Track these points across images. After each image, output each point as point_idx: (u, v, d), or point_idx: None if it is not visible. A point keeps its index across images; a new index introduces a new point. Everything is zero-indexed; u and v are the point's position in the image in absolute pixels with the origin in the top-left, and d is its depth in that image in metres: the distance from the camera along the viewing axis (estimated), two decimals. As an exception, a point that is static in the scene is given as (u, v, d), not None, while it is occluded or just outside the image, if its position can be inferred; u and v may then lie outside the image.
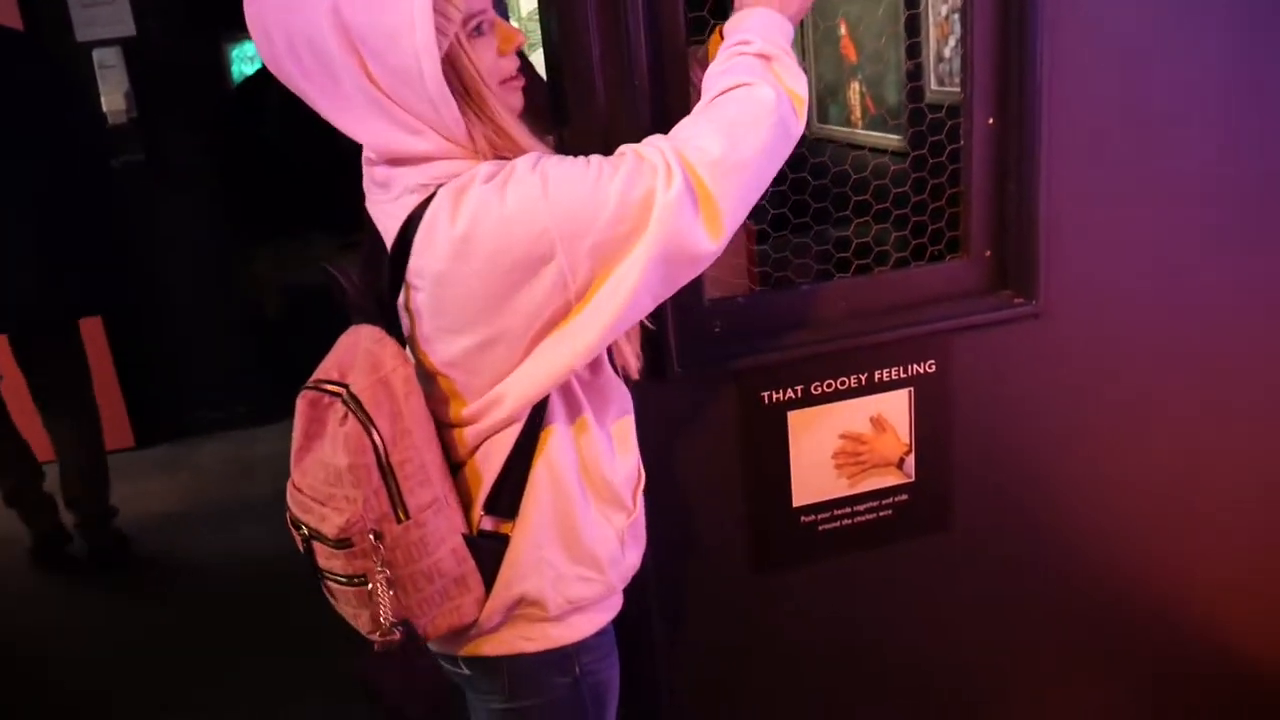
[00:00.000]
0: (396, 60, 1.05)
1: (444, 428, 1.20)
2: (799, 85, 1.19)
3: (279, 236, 7.32)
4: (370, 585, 1.14)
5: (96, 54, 3.97)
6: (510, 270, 1.07)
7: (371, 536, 1.12)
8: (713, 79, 1.19)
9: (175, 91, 4.13)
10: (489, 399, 1.17)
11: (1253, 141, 1.77)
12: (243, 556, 3.37)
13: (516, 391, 1.16)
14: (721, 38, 1.26)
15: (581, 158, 1.11)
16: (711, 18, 1.47)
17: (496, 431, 1.19)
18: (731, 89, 1.15)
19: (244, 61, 9.09)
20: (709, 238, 1.11)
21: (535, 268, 1.07)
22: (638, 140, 1.14)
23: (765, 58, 1.18)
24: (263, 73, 8.79)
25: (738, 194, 1.12)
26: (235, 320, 4.44)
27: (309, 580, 1.22)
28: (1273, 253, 1.83)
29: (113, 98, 3.99)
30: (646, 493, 1.35)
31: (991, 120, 1.64)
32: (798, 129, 1.18)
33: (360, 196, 1.27)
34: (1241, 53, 1.72)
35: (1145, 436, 1.86)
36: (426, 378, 1.18)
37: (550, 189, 1.06)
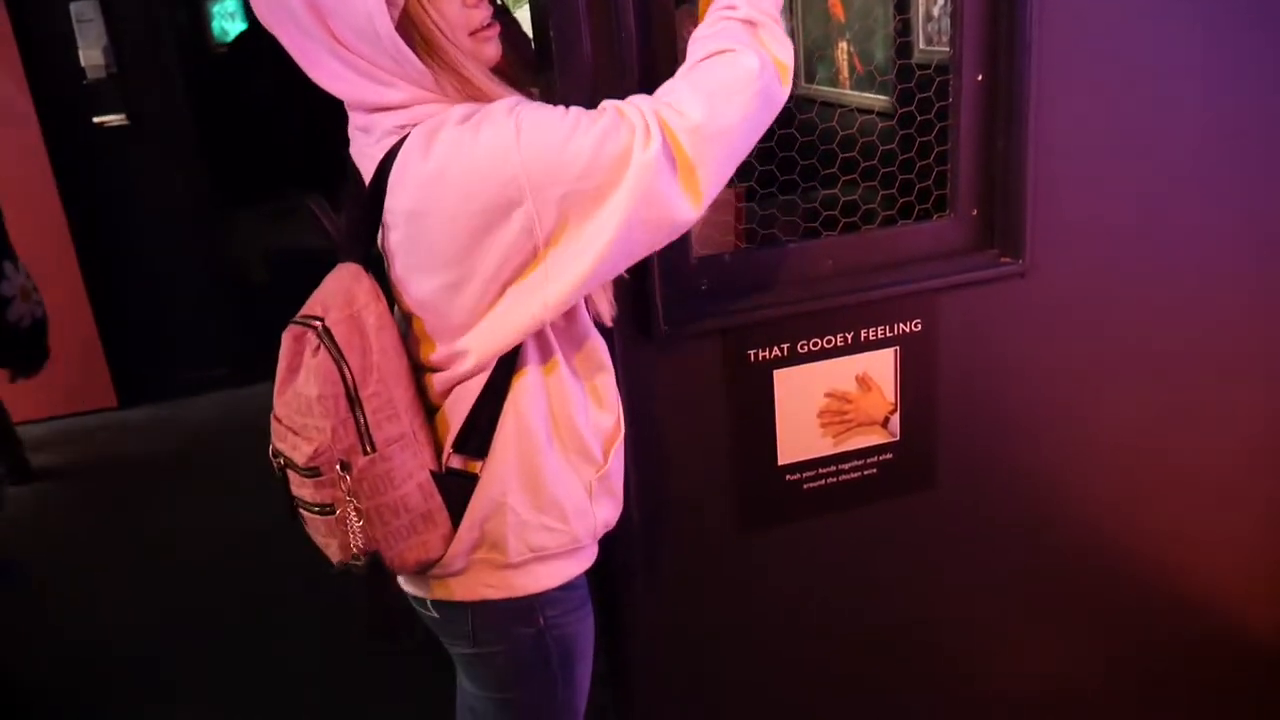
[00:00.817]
0: (351, 19, 1.06)
1: (419, 370, 1.22)
2: (784, 53, 1.18)
3: (261, 197, 7.29)
4: (338, 512, 1.17)
5: (74, 7, 3.90)
6: (479, 213, 1.08)
7: (338, 467, 1.15)
8: (698, 42, 1.18)
9: (155, 48, 4.07)
10: (454, 350, 1.19)
11: (1245, 99, 1.76)
12: (224, 517, 3.37)
13: (480, 345, 1.18)
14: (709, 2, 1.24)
15: (560, 107, 1.10)
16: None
17: (461, 380, 1.21)
18: (715, 54, 1.14)
19: (224, 18, 8.98)
20: (688, 203, 1.11)
21: (504, 211, 1.07)
22: (625, 91, 1.13)
23: (751, 24, 1.17)
24: (253, 30, 8.74)
25: (717, 161, 1.12)
26: (218, 281, 4.40)
27: (286, 507, 1.24)
28: (1264, 209, 1.83)
29: (91, 53, 3.93)
30: (631, 449, 1.35)
31: (980, 77, 1.63)
32: (781, 97, 1.17)
33: (343, 157, 1.27)
34: (1234, 8, 1.70)
35: (1131, 394, 1.87)
36: (403, 318, 1.20)
37: (523, 135, 1.06)
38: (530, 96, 1.18)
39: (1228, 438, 1.96)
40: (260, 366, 4.20)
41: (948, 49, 1.69)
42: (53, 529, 3.45)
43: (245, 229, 6.64)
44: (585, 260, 1.10)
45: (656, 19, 1.44)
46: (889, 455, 1.74)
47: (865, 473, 1.74)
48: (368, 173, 1.17)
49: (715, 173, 1.12)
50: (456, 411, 1.22)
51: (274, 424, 1.22)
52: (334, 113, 1.28)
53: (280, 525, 1.24)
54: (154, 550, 3.26)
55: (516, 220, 1.08)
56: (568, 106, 1.11)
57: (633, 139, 1.07)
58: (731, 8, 1.18)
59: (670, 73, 1.18)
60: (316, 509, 1.18)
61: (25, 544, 3.35)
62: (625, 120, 1.09)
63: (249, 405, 4.07)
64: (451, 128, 1.08)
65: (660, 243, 1.15)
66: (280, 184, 7.38)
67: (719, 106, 1.11)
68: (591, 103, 1.13)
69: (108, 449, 3.96)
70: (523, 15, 1.72)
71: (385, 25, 1.06)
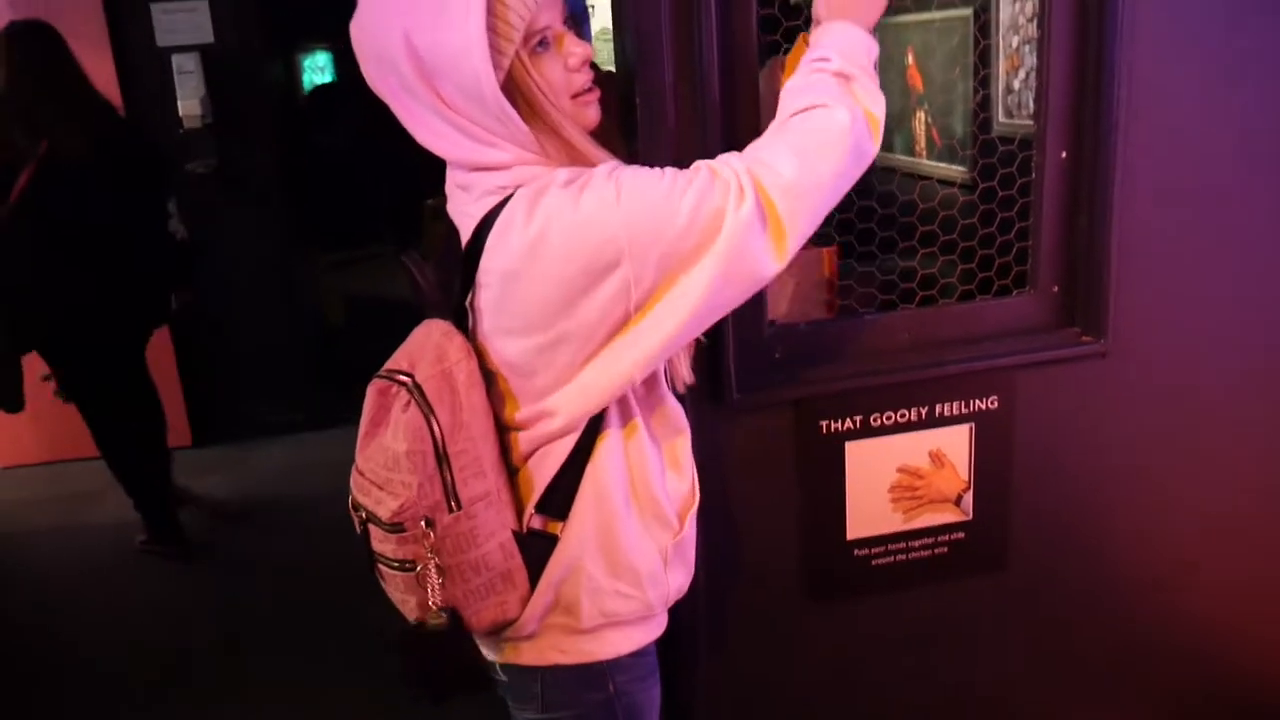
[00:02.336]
0: (460, 80, 1.08)
1: (502, 429, 1.22)
2: (877, 106, 1.18)
3: (343, 245, 7.47)
4: (420, 569, 1.17)
5: (175, 59, 4.07)
6: (578, 275, 1.08)
7: (423, 523, 1.15)
8: (790, 95, 1.19)
9: (248, 99, 4.21)
10: (540, 409, 1.19)
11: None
12: (292, 558, 3.41)
13: (570, 406, 1.17)
14: (806, 46, 1.25)
15: (657, 169, 1.12)
16: (783, 40, 1.47)
17: (549, 441, 1.21)
18: (808, 109, 1.15)
19: (315, 71, 9.28)
20: (774, 259, 1.12)
21: (602, 274, 1.08)
22: (708, 156, 1.14)
23: (845, 77, 1.17)
24: (333, 84, 8.93)
25: (807, 217, 1.13)
26: (297, 326, 4.50)
27: (365, 563, 1.25)
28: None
29: (189, 103, 4.08)
30: (699, 516, 1.34)
31: (1064, 154, 1.62)
32: (872, 152, 1.17)
33: (421, 209, 1.30)
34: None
35: (1211, 481, 1.82)
36: (487, 378, 1.20)
37: (624, 197, 1.07)
38: (620, 158, 1.20)
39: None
40: (333, 411, 4.25)
41: (1029, 123, 1.68)
42: (116, 567, 3.52)
43: (324, 275, 6.82)
44: (676, 318, 1.11)
45: (741, 85, 1.46)
46: (960, 534, 1.71)
47: (935, 551, 1.70)
48: (465, 230, 1.19)
49: (804, 229, 1.13)
50: (541, 472, 1.22)
51: (355, 477, 1.22)
52: (411, 166, 1.30)
53: (343, 572, 1.24)
54: (219, 584, 3.31)
55: (613, 282, 1.09)
56: (662, 168, 1.12)
57: (726, 198, 1.08)
58: (825, 60, 1.19)
59: (755, 131, 1.19)
60: (397, 565, 1.18)
61: (87, 578, 3.43)
62: (719, 179, 1.10)
63: (321, 450, 4.15)
64: (555, 191, 1.09)
65: (742, 298, 1.15)
66: (359, 232, 7.59)
67: (811, 163, 1.11)
68: (677, 164, 1.15)
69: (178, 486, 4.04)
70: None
71: (492, 87, 1.08)
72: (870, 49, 1.22)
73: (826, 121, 1.13)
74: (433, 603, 1.18)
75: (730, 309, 1.17)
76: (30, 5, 3.90)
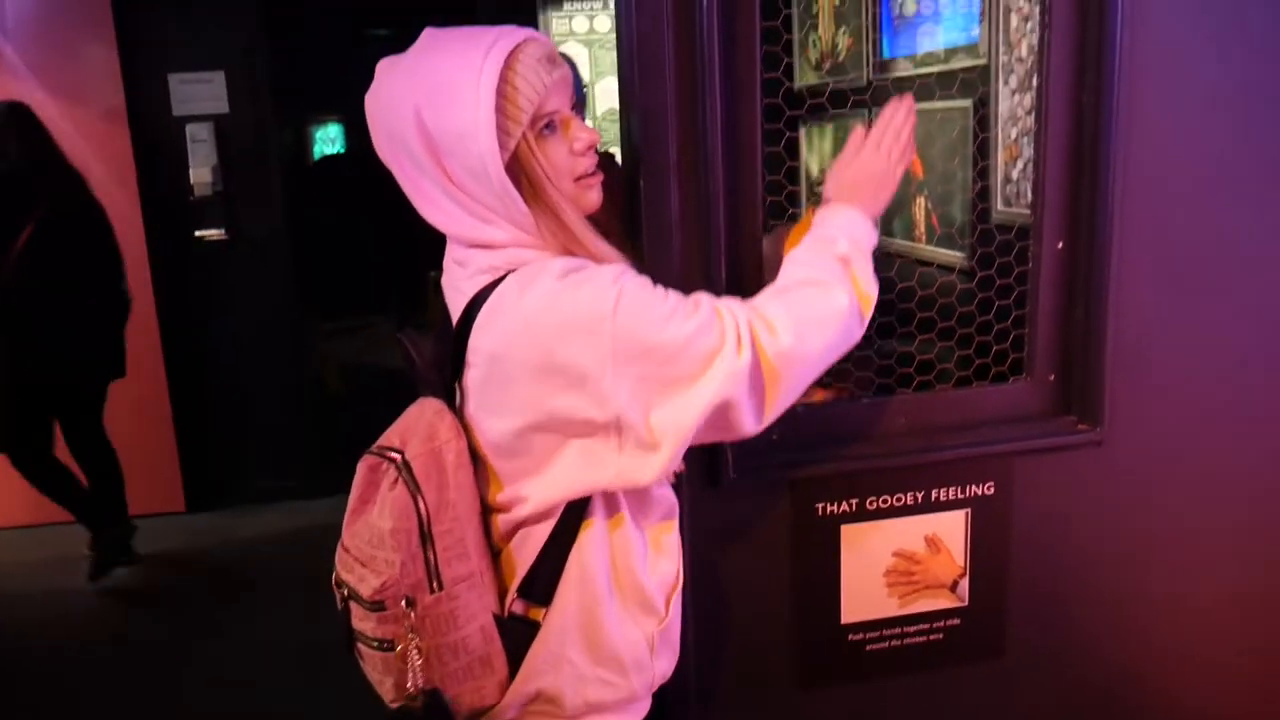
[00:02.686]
0: (466, 159, 1.11)
1: (487, 510, 1.21)
2: (872, 290, 1.23)
3: (343, 315, 7.52)
4: (399, 648, 1.16)
5: (190, 128, 4.14)
6: (558, 368, 1.09)
7: (404, 603, 1.14)
8: (796, 264, 1.23)
9: (259, 169, 4.28)
10: (515, 493, 1.19)
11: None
12: (278, 628, 3.36)
13: (539, 493, 1.18)
14: (808, 225, 1.30)
15: (662, 289, 1.13)
16: (787, 107, 1.49)
17: (523, 525, 1.21)
18: (811, 283, 1.19)
19: (326, 143, 9.44)
20: (754, 419, 1.14)
21: (581, 376, 1.09)
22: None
23: (847, 260, 1.22)
24: (340, 155, 9.10)
25: (791, 385, 1.16)
26: (295, 393, 4.51)
27: (344, 640, 1.23)
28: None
29: (200, 171, 4.15)
30: (692, 598, 1.33)
31: (1061, 245, 1.64)
32: (858, 335, 1.22)
33: (423, 282, 1.31)
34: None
35: (1207, 571, 1.81)
36: (475, 458, 1.20)
37: (621, 306, 1.08)
38: (614, 245, 1.21)
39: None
40: (328, 480, 4.25)
41: (1027, 212, 1.71)
42: (102, 633, 3.47)
43: (326, 343, 6.84)
44: (662, 451, 1.11)
45: (744, 167, 1.48)
46: (956, 620, 1.69)
47: (931, 637, 1.69)
48: (455, 305, 1.20)
49: (786, 396, 1.16)
50: (523, 555, 1.21)
51: (340, 553, 1.22)
52: (413, 239, 1.32)
53: (326, 646, 1.22)
54: (204, 652, 3.26)
55: (591, 386, 1.08)
56: (668, 288, 1.14)
57: (723, 342, 1.10)
58: (832, 240, 1.23)
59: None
60: (376, 644, 1.17)
61: (74, 642, 3.38)
62: (720, 322, 1.11)
63: (313, 518, 4.12)
64: (550, 279, 1.10)
65: (708, 440, 1.16)
66: (361, 301, 7.65)
67: (806, 335, 1.15)
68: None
69: (172, 552, 4.01)
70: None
71: (496, 167, 1.10)
72: (872, 238, 1.28)
73: (826, 300, 1.17)
74: (412, 684, 1.16)
75: (696, 443, 1.16)
76: (53, 75, 4.00)
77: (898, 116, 1.34)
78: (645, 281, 1.13)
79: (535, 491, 1.18)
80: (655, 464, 1.12)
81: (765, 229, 1.51)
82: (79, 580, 3.77)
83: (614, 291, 1.09)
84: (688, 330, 1.09)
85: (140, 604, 3.65)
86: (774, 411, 1.15)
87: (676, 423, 1.10)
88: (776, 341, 1.12)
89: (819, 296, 1.18)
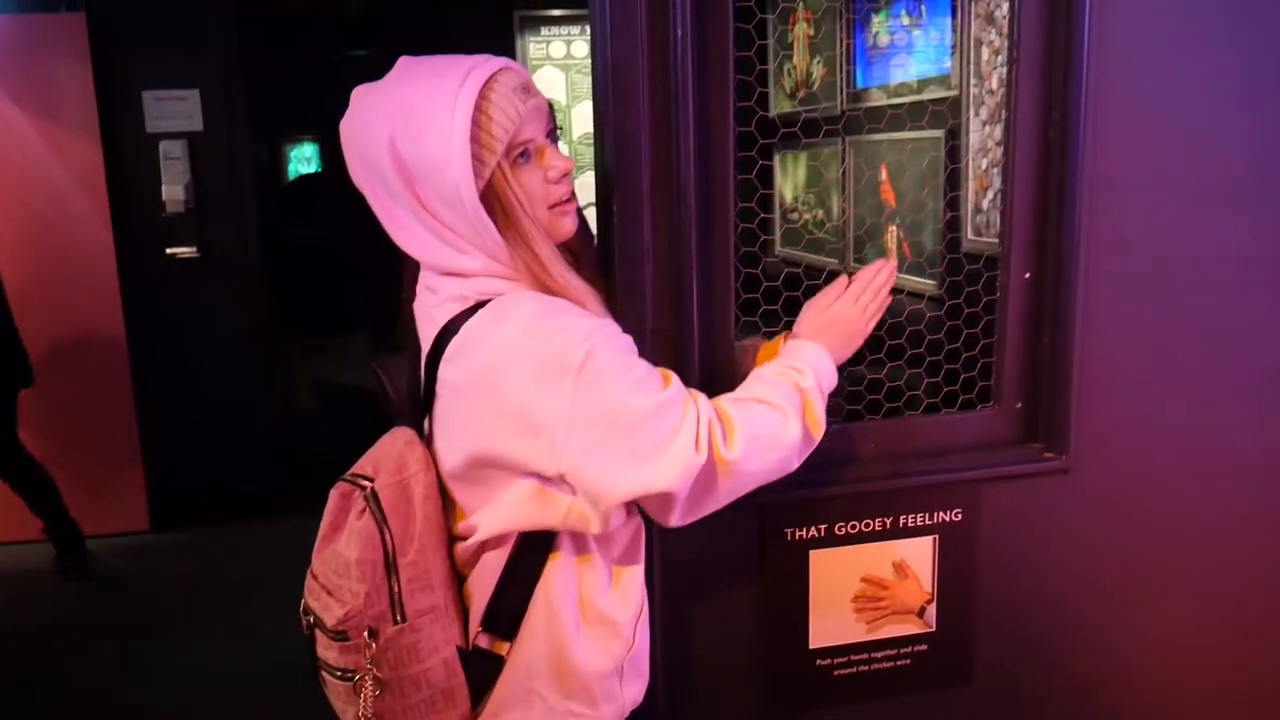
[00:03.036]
0: (440, 186, 1.11)
1: (451, 539, 1.22)
2: (819, 432, 1.25)
3: (314, 334, 7.49)
4: (357, 679, 1.15)
5: (163, 145, 4.12)
6: (515, 412, 1.09)
7: (366, 633, 1.14)
8: (762, 381, 1.25)
9: (232, 187, 4.27)
10: (469, 522, 1.20)
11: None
12: (242, 648, 3.32)
13: (486, 523, 1.18)
14: (780, 343, 1.35)
15: (634, 357, 1.14)
16: (760, 136, 1.51)
17: (480, 553, 1.21)
18: (771, 404, 1.21)
19: (301, 162, 9.42)
20: (681, 516, 1.16)
21: (535, 427, 1.09)
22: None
23: (805, 394, 1.24)
24: (314, 175, 9.10)
25: (722, 496, 1.18)
26: (263, 412, 4.48)
27: (309, 667, 1.23)
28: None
29: (173, 188, 4.14)
30: (661, 623, 1.33)
31: (1028, 275, 1.67)
32: (793, 468, 1.24)
33: (395, 304, 1.32)
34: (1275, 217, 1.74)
35: (1174, 599, 1.82)
36: (442, 488, 1.20)
37: (587, 368, 1.08)
38: (585, 280, 1.22)
39: (1276, 644, 1.89)
40: (296, 499, 4.21)
41: (996, 241, 1.73)
42: (66, 646, 3.42)
43: (296, 361, 6.80)
44: (603, 511, 1.13)
45: (717, 193, 1.50)
46: (923, 646, 1.70)
47: (899, 663, 1.69)
48: (425, 334, 1.20)
49: (713, 504, 1.18)
50: (480, 585, 1.21)
51: (309, 580, 1.21)
52: (387, 260, 1.32)
53: (289, 667, 1.22)
54: (161, 675, 3.22)
55: (544, 438, 1.09)
56: (639, 359, 1.15)
57: (682, 430, 1.11)
58: (799, 371, 1.25)
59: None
60: (339, 673, 1.17)
61: (36, 657, 3.33)
62: (689, 412, 1.13)
63: (278, 538, 4.08)
64: (523, 320, 1.10)
65: (647, 510, 1.19)
66: (332, 321, 7.62)
67: (754, 454, 1.17)
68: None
69: (136, 571, 3.96)
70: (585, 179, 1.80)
71: (470, 194, 1.11)
72: (833, 380, 1.31)
73: (782, 427, 1.20)
74: (362, 714, 1.16)
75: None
76: (26, 90, 3.98)
77: (880, 276, 1.37)
78: (620, 345, 1.13)
79: (485, 521, 1.18)
80: (596, 520, 1.14)
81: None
82: (41, 599, 3.71)
83: (583, 350, 1.08)
84: (649, 404, 1.10)
85: (103, 622, 3.59)
86: (698, 514, 1.17)
87: (619, 488, 1.10)
88: (729, 450, 1.14)
89: (776, 421, 1.20)
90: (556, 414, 1.07)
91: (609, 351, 1.10)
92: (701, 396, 1.17)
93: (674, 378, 1.16)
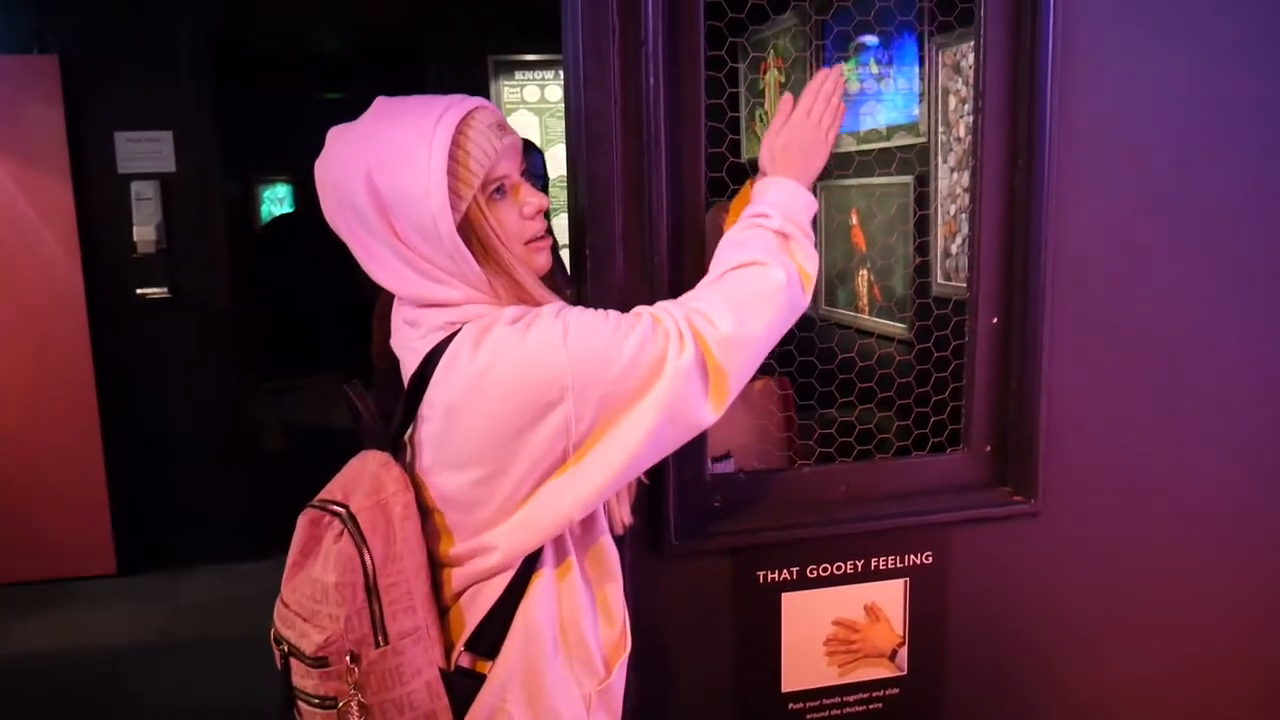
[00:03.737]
0: (417, 220, 1.12)
1: (435, 566, 1.20)
2: (810, 264, 1.25)
3: (284, 374, 7.45)
4: (341, 705, 1.13)
5: (135, 185, 4.11)
6: (520, 410, 1.10)
7: (348, 658, 1.12)
8: (730, 248, 1.25)
9: (203, 227, 4.25)
10: (478, 544, 1.18)
11: (1257, 350, 1.81)
12: (210, 695, 3.26)
13: (509, 542, 1.17)
14: (747, 197, 1.32)
15: (602, 311, 1.16)
16: (731, 182, 1.53)
17: (484, 578, 1.20)
18: (746, 264, 1.21)
19: (274, 203, 9.41)
20: (711, 407, 1.16)
21: (544, 410, 1.10)
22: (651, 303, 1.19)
23: (783, 235, 1.24)
24: (288, 216, 9.10)
25: (742, 368, 1.18)
26: (233, 454, 4.43)
27: (282, 698, 1.20)
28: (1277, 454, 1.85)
29: (144, 229, 4.11)
30: (634, 662, 1.32)
31: (995, 320, 1.69)
32: (804, 305, 1.24)
33: (366, 343, 1.32)
34: (1248, 250, 1.78)
35: (1145, 641, 1.84)
36: (423, 512, 1.19)
37: (570, 336, 1.11)
38: (566, 299, 1.23)
39: (1243, 685, 1.91)
40: (265, 542, 4.17)
41: (965, 286, 1.76)
42: (27, 700, 3.35)
43: (265, 402, 6.75)
44: (617, 458, 1.13)
45: (689, 237, 1.51)
46: (895, 690, 1.70)
47: (870, 707, 1.69)
48: (408, 365, 1.20)
49: (739, 379, 1.18)
50: (474, 609, 1.20)
51: (279, 609, 1.19)
52: (357, 301, 1.32)
53: (261, 707, 1.19)
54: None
55: (554, 419, 1.11)
56: (606, 311, 1.17)
57: (667, 344, 1.13)
58: (764, 216, 1.25)
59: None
60: (318, 701, 1.15)
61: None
62: (661, 327, 1.14)
63: (247, 581, 4.03)
64: (502, 327, 1.12)
65: (682, 442, 1.19)
66: (303, 361, 7.59)
67: (747, 318, 1.17)
68: (622, 308, 1.19)
69: (100, 615, 3.89)
70: (558, 223, 1.81)
71: (447, 226, 1.12)
72: (809, 206, 1.30)
73: (763, 280, 1.20)
74: None
75: (667, 453, 1.19)
76: (-6, 129, 3.96)
77: (827, 83, 1.35)
78: (584, 309, 1.16)
79: (503, 540, 1.17)
80: (607, 475, 1.14)
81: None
82: (1, 645, 3.64)
83: (559, 324, 1.11)
84: (633, 342, 1.12)
85: (68, 670, 3.52)
86: (730, 395, 1.17)
87: (635, 431, 1.12)
88: (717, 330, 1.15)
89: (755, 276, 1.20)
90: (561, 389, 1.09)
91: (579, 314, 1.14)
92: (670, 302, 1.19)
93: (642, 309, 1.18)
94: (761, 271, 1.20)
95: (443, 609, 1.22)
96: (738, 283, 1.20)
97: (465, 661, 1.20)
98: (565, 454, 1.13)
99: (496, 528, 1.17)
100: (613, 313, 1.16)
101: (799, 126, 1.34)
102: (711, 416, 1.17)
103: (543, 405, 1.10)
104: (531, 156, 2.25)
